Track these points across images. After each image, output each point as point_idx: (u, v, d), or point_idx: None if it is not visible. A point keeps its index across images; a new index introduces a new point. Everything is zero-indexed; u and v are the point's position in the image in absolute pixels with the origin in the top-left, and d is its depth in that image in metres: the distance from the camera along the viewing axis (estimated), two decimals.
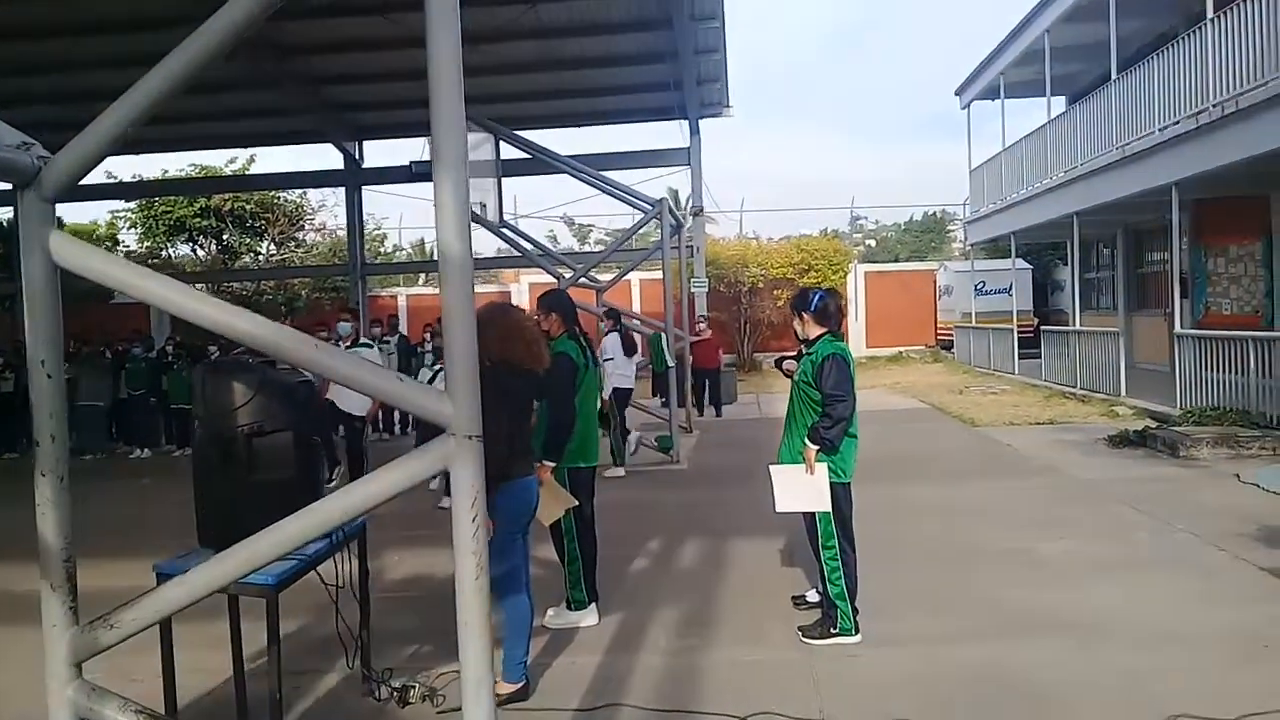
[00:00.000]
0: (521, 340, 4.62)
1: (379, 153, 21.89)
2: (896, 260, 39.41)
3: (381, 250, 36.78)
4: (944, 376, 23.44)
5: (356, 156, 20.39)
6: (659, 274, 25.23)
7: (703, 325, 18.04)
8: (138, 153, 20.93)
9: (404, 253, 36.83)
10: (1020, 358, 21.09)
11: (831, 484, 5.25)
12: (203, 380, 4.12)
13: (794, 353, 5.70)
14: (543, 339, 4.81)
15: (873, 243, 51.29)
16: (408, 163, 19.91)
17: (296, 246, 27.22)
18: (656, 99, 18.68)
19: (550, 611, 5.92)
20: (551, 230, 37.83)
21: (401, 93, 18.37)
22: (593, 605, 5.91)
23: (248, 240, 26.51)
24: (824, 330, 5.38)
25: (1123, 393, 15.46)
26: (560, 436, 5.67)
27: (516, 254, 15.82)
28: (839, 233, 48.97)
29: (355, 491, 3.13)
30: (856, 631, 5.36)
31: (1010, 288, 22.93)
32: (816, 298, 5.39)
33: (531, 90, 18.30)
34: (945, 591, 6.35)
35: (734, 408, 18.80)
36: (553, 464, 5.66)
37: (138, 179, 23.15)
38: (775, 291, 26.67)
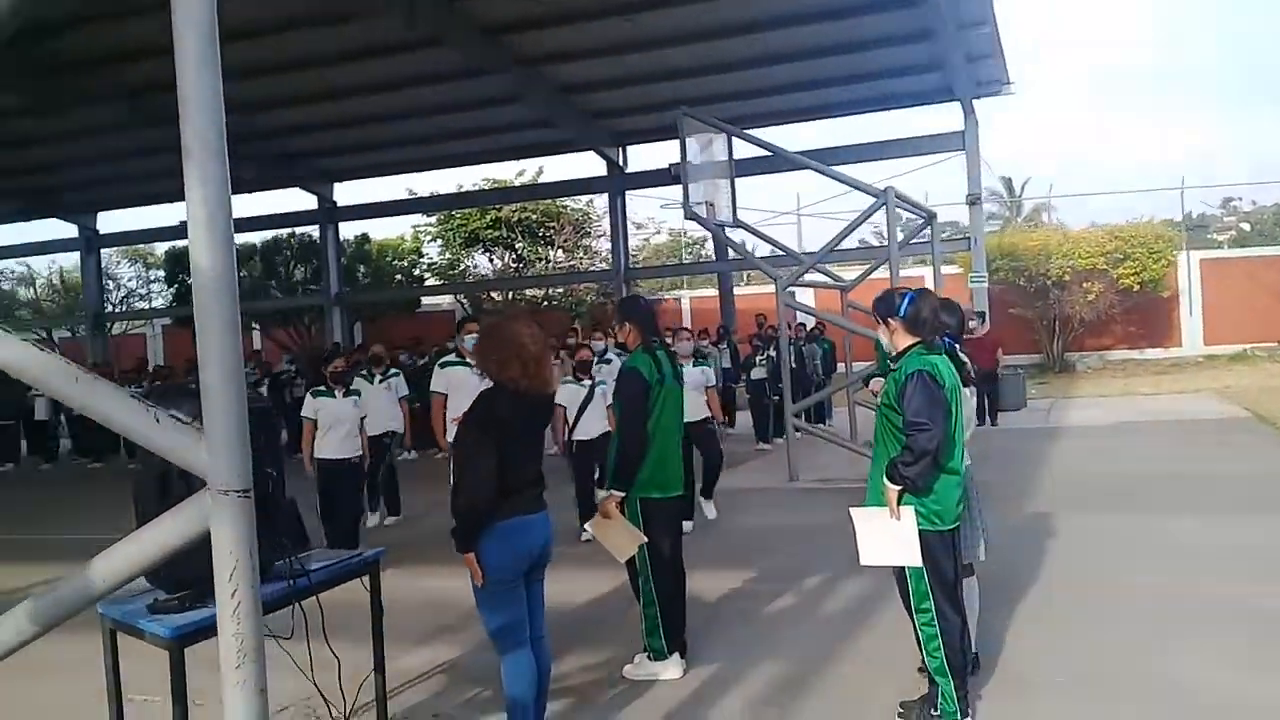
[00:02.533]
0: (518, 360, 4.00)
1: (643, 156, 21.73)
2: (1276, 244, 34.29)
3: (704, 253, 36.89)
4: None
5: (620, 162, 20.44)
6: (956, 268, 23.63)
7: (974, 323, 16.38)
8: (401, 173, 22.31)
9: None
10: None
11: (923, 533, 4.20)
12: None
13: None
14: (546, 357, 4.15)
15: (1246, 226, 45.38)
16: (668, 165, 19.76)
17: (584, 253, 27.85)
18: (919, 82, 17.24)
19: (636, 659, 5.24)
20: (877, 226, 36.00)
21: (658, 95, 18.13)
22: (675, 656, 5.16)
23: (538, 250, 27.42)
24: (915, 340, 4.32)
25: None
26: (627, 464, 5.01)
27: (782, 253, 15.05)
28: (1204, 216, 43.34)
29: (115, 555, 2.71)
30: (964, 716, 4.27)
31: None
32: (906, 300, 4.34)
33: (774, 85, 17.51)
34: (1120, 664, 5.00)
35: (1019, 415, 16.99)
36: (621, 494, 5.02)
37: (433, 194, 24.61)
38: (1085, 284, 24.00)
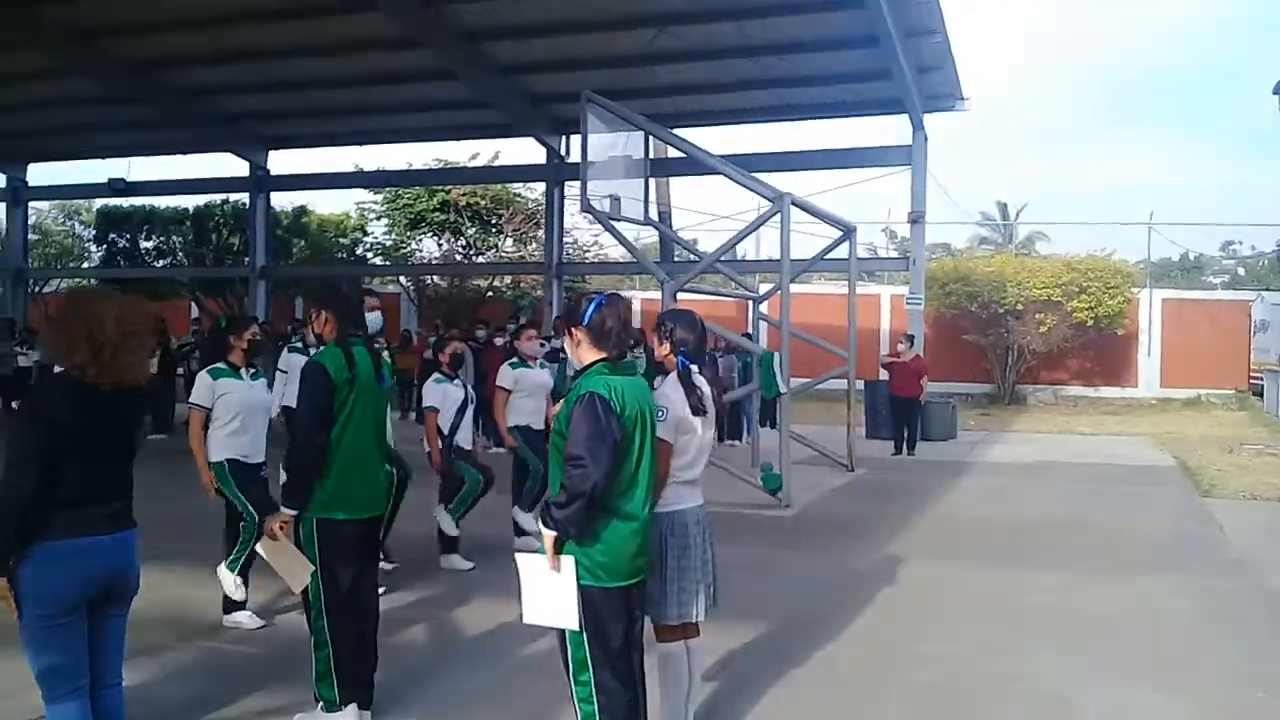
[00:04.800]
0: (87, 342, 3.23)
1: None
2: (1268, 290, 33.42)
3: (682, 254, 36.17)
4: (1234, 429, 19.34)
5: (562, 151, 19.68)
6: (904, 289, 22.90)
7: (903, 346, 15.68)
8: (336, 145, 21.44)
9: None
10: None
11: (586, 589, 3.45)
12: None
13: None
14: (134, 344, 3.37)
15: (1243, 271, 44.72)
16: (607, 158, 18.97)
17: (537, 245, 27.02)
18: (865, 90, 16.54)
19: (297, 717, 4.44)
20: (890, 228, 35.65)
21: (601, 82, 17.35)
22: (352, 708, 4.35)
23: (488, 237, 26.59)
24: (600, 356, 3.57)
25: None
26: (301, 475, 4.26)
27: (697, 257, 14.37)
28: (1201, 257, 42.45)
29: None
30: None
31: None
32: (592, 307, 3.59)
33: (722, 81, 16.83)
34: None
35: (943, 447, 16.26)
36: (292, 512, 4.26)
37: (379, 170, 23.79)
38: (1038, 315, 23.31)
